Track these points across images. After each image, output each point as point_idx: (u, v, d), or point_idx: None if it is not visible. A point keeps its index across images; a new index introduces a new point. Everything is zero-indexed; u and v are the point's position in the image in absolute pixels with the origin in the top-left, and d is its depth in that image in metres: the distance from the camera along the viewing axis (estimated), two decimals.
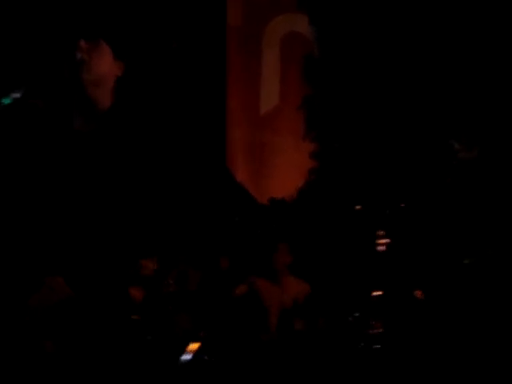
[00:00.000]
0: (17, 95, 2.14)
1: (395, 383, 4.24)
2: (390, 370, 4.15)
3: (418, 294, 4.60)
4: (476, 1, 6.12)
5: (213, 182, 2.87)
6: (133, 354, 2.27)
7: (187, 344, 4.28)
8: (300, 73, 6.81)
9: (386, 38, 6.22)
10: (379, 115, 6.27)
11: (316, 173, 6.54)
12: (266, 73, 7.16)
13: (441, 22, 6.12)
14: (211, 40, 6.96)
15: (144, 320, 4.61)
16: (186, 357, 4.20)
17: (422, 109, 6.12)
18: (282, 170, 6.92)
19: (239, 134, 7.07)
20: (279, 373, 4.30)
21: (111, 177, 2.29)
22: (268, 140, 7.11)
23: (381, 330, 4.13)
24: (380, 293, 4.32)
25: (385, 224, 4.29)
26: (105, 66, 2.19)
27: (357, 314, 4.40)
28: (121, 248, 2.30)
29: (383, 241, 4.27)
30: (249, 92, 7.18)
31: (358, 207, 4.49)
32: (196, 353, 4.24)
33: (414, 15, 6.23)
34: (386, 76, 6.25)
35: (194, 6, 6.82)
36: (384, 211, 4.23)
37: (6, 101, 2.11)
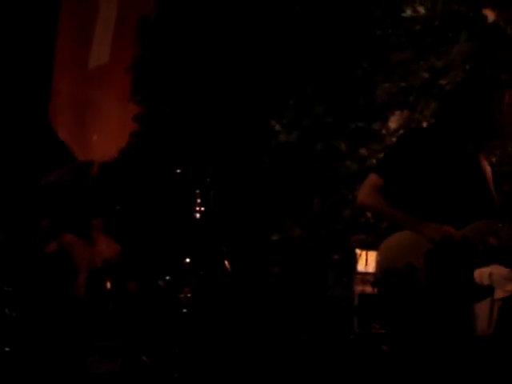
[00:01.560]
0: None
1: (201, 347, 4.40)
2: (196, 333, 4.29)
3: (227, 264, 4.77)
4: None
5: (33, 135, 2.80)
6: None
7: None
8: (134, 33, 6.74)
9: (219, 16, 6.32)
10: (206, 87, 6.37)
11: (138, 135, 6.52)
12: (99, 28, 7.00)
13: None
14: None
15: None
16: None
17: (248, 85, 6.30)
18: (105, 129, 6.82)
19: (64, 86, 6.87)
20: (84, 331, 4.29)
21: None
22: (93, 97, 6.96)
23: (189, 295, 4.25)
24: (191, 259, 4.43)
25: (202, 192, 4.39)
26: None
27: (168, 278, 4.49)
28: None
29: (200, 208, 4.37)
30: (80, 45, 6.98)
31: (178, 170, 4.55)
32: None
33: None
34: (216, 50, 6.35)
35: None
36: (203, 180, 4.33)
37: None
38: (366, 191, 3.09)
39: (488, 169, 3.22)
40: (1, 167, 5.22)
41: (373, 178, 3.08)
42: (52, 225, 4.89)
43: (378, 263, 3.03)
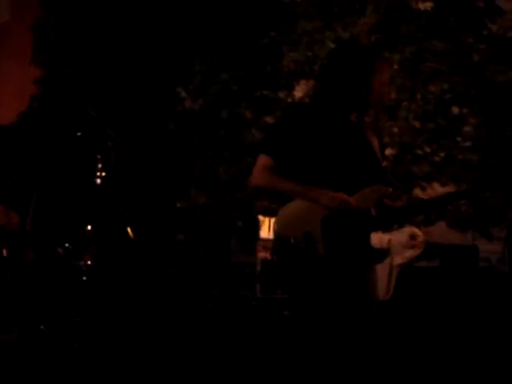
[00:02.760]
0: None
1: (101, 316, 4.33)
2: (96, 302, 4.23)
3: (129, 230, 4.69)
4: None
5: None
6: None
7: None
8: None
9: None
10: (110, 49, 6.21)
11: (39, 99, 6.31)
12: None
13: None
14: None
15: None
16: None
17: (154, 49, 6.18)
18: (3, 92, 6.57)
19: None
20: None
21: None
22: None
23: (90, 263, 4.16)
24: (92, 226, 4.33)
25: (103, 157, 4.28)
26: None
27: (67, 245, 4.38)
28: None
29: (100, 173, 4.27)
30: None
31: (79, 134, 4.41)
32: None
33: None
34: (120, 12, 6.19)
35: None
36: (105, 143, 4.21)
37: None
38: (257, 173, 3.07)
39: (374, 139, 3.25)
40: None
41: (262, 159, 3.06)
42: None
43: (275, 232, 3.03)
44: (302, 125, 3.07)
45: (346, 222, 2.98)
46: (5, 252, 4.35)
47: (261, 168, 3.06)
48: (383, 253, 3.00)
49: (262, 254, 4.89)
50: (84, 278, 4.14)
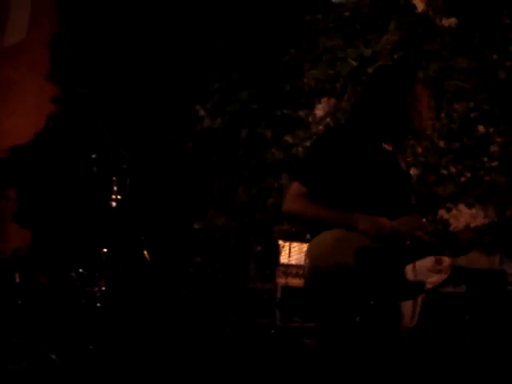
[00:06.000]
0: None
1: (116, 343, 4.23)
2: (110, 329, 4.12)
3: (145, 253, 4.59)
4: None
5: None
6: None
7: None
8: (52, 10, 6.45)
9: None
10: (129, 67, 6.15)
11: (56, 118, 6.26)
12: (15, 3, 6.66)
13: None
14: None
15: None
16: None
17: (173, 68, 6.11)
18: (21, 110, 6.51)
19: None
20: None
21: None
22: (8, 76, 6.62)
23: (104, 289, 4.06)
24: (107, 250, 4.23)
25: (119, 179, 4.19)
26: None
27: (81, 270, 4.27)
28: None
29: (116, 196, 4.17)
30: None
31: (93, 156, 4.33)
32: None
33: None
34: (139, 30, 6.14)
35: None
36: (120, 165, 4.12)
37: None
38: (290, 199, 2.99)
39: (403, 164, 3.16)
40: None
41: (295, 186, 2.99)
42: None
43: (308, 262, 2.92)
44: (337, 151, 2.99)
45: (380, 254, 2.87)
46: (17, 277, 4.25)
47: (294, 195, 2.98)
48: (418, 286, 2.88)
49: (282, 280, 4.76)
50: (98, 305, 4.03)
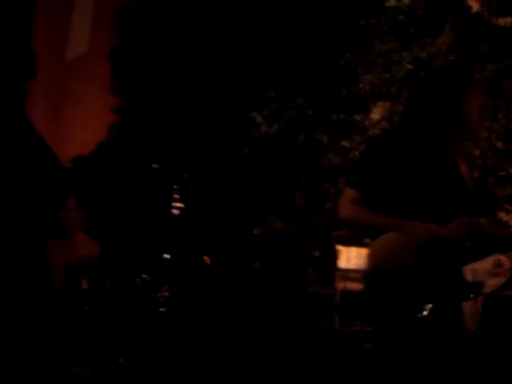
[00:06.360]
0: None
1: (179, 347, 4.32)
2: (174, 333, 4.21)
3: (207, 259, 4.68)
4: None
5: (9, 128, 2.70)
6: None
7: None
8: (112, 23, 6.62)
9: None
10: (186, 78, 6.27)
11: (117, 128, 6.42)
12: (76, 17, 6.86)
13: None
14: None
15: None
16: None
17: (229, 77, 6.20)
18: (83, 121, 6.70)
19: (41, 77, 6.72)
20: (58, 332, 4.18)
21: None
22: (71, 89, 6.83)
23: (167, 294, 4.16)
24: (169, 256, 4.33)
25: (181, 187, 4.30)
26: None
27: (145, 276, 4.39)
28: None
29: (178, 204, 4.27)
30: (56, 35, 6.84)
31: (155, 166, 4.45)
32: None
33: None
34: (195, 41, 6.25)
35: None
36: (181, 174, 4.23)
37: None
38: (344, 205, 3.01)
39: (464, 166, 3.14)
40: None
41: (349, 193, 3.00)
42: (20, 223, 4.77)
43: (368, 266, 2.95)
44: (390, 156, 2.98)
45: (438, 256, 2.88)
46: (84, 283, 4.38)
47: (348, 201, 3.00)
48: (477, 287, 2.88)
49: (341, 285, 4.79)
50: (161, 310, 4.14)
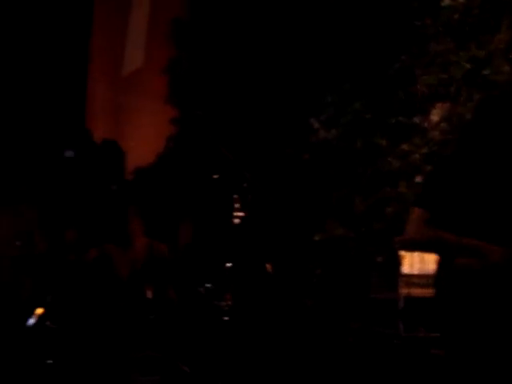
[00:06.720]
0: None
1: (243, 355, 4.33)
2: (237, 341, 4.23)
3: (269, 267, 4.69)
4: None
5: (72, 143, 2.76)
6: None
7: (33, 308, 4.15)
8: (167, 36, 6.70)
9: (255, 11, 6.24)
10: (242, 86, 6.30)
11: (175, 139, 6.50)
12: (132, 33, 6.98)
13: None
14: None
15: None
16: (31, 321, 4.08)
17: (286, 86, 6.21)
18: (141, 133, 6.81)
19: (100, 93, 6.87)
20: (125, 341, 4.25)
21: None
22: (129, 101, 6.95)
23: (230, 303, 4.18)
24: (231, 265, 4.35)
25: (241, 197, 4.32)
26: None
27: (208, 285, 4.43)
28: None
29: (239, 213, 4.29)
30: (113, 51, 6.98)
31: (215, 176, 4.48)
32: (40, 318, 4.12)
33: None
34: (251, 50, 6.28)
35: None
36: (241, 184, 4.25)
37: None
38: (414, 228, 2.95)
39: None
40: (42, 173, 5.23)
41: (418, 212, 2.94)
42: (83, 234, 4.89)
43: (439, 272, 2.90)
44: (459, 175, 2.91)
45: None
46: (149, 293, 4.45)
47: (416, 222, 2.94)
48: None
49: (405, 291, 4.74)
50: (225, 319, 4.16)
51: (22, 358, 4.09)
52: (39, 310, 4.16)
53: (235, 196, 4.21)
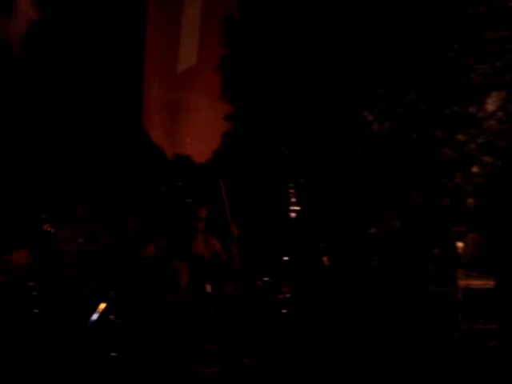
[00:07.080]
0: None
1: (302, 347, 4.38)
2: (296, 334, 4.28)
3: (325, 260, 4.72)
4: None
5: (128, 142, 2.84)
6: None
7: (96, 304, 4.27)
8: (219, 34, 6.76)
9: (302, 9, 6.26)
10: (295, 81, 6.32)
11: (231, 135, 6.56)
12: (185, 32, 7.05)
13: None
14: None
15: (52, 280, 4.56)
16: (95, 316, 4.20)
17: (339, 80, 6.21)
18: (197, 130, 6.89)
19: (155, 92, 6.97)
20: (186, 334, 4.34)
21: None
22: (184, 99, 7.03)
23: (289, 295, 4.23)
24: (289, 258, 4.40)
25: (297, 191, 4.36)
26: None
27: (266, 279, 4.48)
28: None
29: (295, 207, 4.33)
30: (167, 50, 7.07)
31: (271, 172, 4.54)
32: (103, 313, 4.24)
33: None
34: (303, 45, 6.29)
35: None
36: (297, 178, 4.29)
37: None
38: (470, 252, 2.95)
39: None
40: (97, 172, 5.35)
41: (471, 238, 2.94)
42: (144, 231, 4.99)
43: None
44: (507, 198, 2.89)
45: None
46: (208, 287, 4.54)
47: (472, 246, 2.93)
48: None
49: (463, 282, 4.71)
50: (283, 311, 4.21)
51: (87, 351, 4.22)
52: (102, 305, 4.28)
53: (291, 190, 4.26)
